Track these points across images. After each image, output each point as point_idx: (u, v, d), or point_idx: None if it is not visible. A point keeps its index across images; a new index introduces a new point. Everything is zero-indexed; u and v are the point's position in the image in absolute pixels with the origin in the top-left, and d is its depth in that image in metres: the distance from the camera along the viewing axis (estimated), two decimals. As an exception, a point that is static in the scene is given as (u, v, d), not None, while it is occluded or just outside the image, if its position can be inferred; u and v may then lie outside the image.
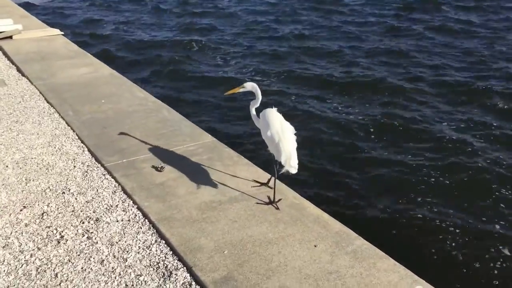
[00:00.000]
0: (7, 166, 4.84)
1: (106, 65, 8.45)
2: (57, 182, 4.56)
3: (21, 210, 4.08)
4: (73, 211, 4.08)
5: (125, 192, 4.36)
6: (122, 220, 3.94)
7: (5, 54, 9.14)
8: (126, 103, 6.48)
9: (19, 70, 8.11)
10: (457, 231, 4.93)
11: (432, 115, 7.86)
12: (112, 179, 4.60)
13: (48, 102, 6.60)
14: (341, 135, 7.21)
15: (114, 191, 4.39)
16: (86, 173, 4.72)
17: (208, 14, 16.51)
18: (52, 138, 5.49)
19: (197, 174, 4.62)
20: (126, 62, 11.15)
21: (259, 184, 4.41)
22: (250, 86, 4.05)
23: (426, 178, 5.92)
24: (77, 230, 3.81)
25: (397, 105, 8.24)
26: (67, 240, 3.68)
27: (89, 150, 5.20)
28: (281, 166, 3.83)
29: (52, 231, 3.80)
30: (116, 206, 4.15)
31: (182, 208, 4.04)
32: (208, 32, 14.22)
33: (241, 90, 4.06)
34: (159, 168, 4.71)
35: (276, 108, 4.04)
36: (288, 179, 4.70)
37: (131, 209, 4.10)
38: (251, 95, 4.17)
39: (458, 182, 5.86)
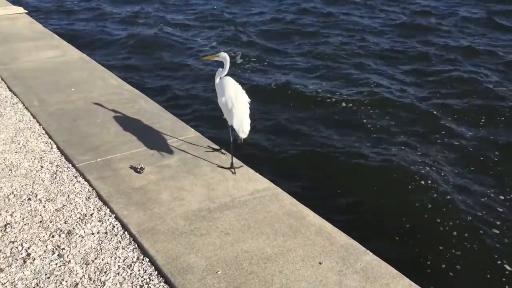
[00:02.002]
0: (-37, 167, 4.27)
1: (75, 48, 7.80)
2: (22, 186, 4.02)
3: (-21, 221, 3.55)
4: (41, 221, 3.57)
5: (100, 198, 3.86)
6: (98, 233, 3.46)
7: (-38, 34, 8.36)
8: (98, 92, 5.91)
9: (-23, 52, 7.40)
10: (476, 244, 4.44)
11: (447, 114, 7.23)
12: (85, 182, 4.09)
13: (10, 90, 5.97)
14: (335, 125, 6.69)
15: (88, 197, 3.88)
16: (55, 175, 4.19)
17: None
18: (16, 132, 4.91)
19: (182, 176, 4.16)
20: (96, 44, 10.38)
21: (212, 150, 4.56)
22: (223, 56, 4.30)
23: (438, 182, 5.35)
24: (46, 246, 3.31)
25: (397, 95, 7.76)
26: (34, 259, 3.18)
27: (58, 147, 4.66)
28: (234, 131, 4.12)
29: (17, 248, 3.29)
30: (91, 215, 3.66)
31: (166, 218, 3.58)
32: (184, 8, 13.49)
33: (215, 58, 4.35)
34: (138, 169, 4.22)
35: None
36: (284, 182, 4.30)
37: (108, 219, 3.61)
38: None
39: (475, 187, 5.31)
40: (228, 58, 4.26)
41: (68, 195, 3.90)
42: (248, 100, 4.17)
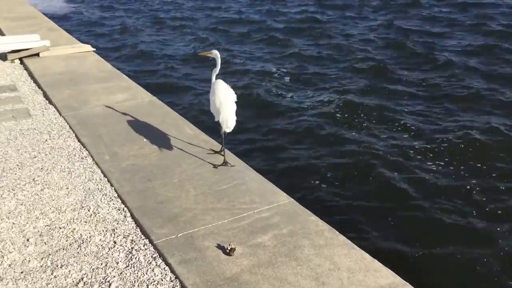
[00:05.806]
0: (27, 240, 3.70)
1: (144, 89, 7.32)
2: (93, 269, 3.38)
3: (44, 322, 2.92)
4: (116, 324, 2.90)
5: (186, 291, 3.16)
6: None
7: (30, 75, 8.11)
8: (173, 143, 5.30)
9: (45, 96, 7.05)
10: None
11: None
12: (166, 267, 3.40)
13: (79, 141, 5.47)
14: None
15: (171, 289, 3.19)
16: (130, 255, 3.54)
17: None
18: (85, 195, 4.35)
19: (281, 261, 3.39)
20: (164, 85, 9.88)
21: (213, 152, 5.01)
22: (215, 54, 4.85)
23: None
24: None
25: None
26: None
27: (132, 216, 4.03)
28: (220, 126, 4.67)
29: None
30: (176, 317, 2.95)
31: (271, 327, 2.82)
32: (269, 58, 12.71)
33: (208, 55, 4.90)
34: (227, 250, 3.50)
35: None
36: (410, 276, 3.43)
37: (197, 324, 2.89)
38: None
39: None
40: (219, 55, 4.82)
41: (147, 286, 3.21)
42: (235, 99, 4.68)
